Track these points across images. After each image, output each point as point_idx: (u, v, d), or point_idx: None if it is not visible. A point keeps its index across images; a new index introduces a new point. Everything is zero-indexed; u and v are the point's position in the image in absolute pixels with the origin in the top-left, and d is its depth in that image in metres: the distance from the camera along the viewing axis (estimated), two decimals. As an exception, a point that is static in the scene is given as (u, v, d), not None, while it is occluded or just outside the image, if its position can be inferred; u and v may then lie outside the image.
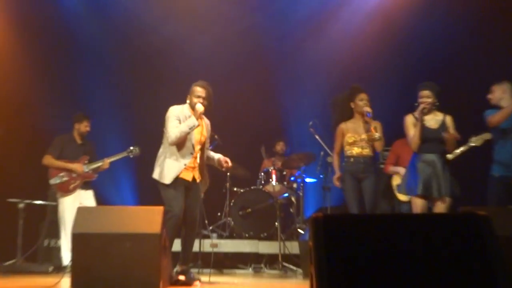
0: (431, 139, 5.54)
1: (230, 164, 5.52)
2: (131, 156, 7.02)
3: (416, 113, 5.56)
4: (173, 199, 5.08)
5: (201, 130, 5.33)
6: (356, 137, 5.86)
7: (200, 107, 5.17)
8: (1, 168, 7.28)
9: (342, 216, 2.63)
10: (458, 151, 6.00)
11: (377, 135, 5.69)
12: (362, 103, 5.82)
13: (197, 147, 5.27)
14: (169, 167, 5.18)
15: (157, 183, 5.24)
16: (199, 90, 5.27)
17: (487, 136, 5.96)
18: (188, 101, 5.34)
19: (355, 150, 5.88)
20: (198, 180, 5.30)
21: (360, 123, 5.86)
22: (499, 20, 7.92)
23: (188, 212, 5.21)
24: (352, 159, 5.89)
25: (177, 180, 5.15)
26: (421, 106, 5.50)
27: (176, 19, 8.36)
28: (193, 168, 5.25)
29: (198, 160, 5.31)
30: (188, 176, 5.22)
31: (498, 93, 5.83)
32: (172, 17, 8.37)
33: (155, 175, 5.24)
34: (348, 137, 5.92)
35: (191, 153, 5.20)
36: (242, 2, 8.49)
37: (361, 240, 2.27)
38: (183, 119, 5.21)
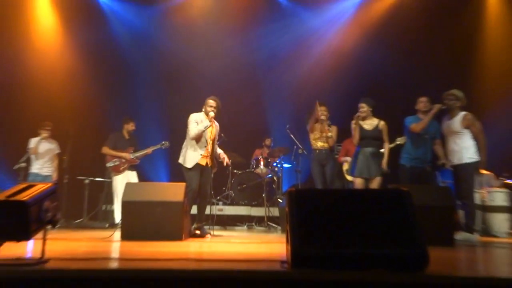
0: (367, 137, 5.59)
1: (227, 161, 5.56)
2: (163, 148, 7.01)
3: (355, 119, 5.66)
4: (192, 178, 5.09)
5: (212, 130, 5.33)
6: (320, 135, 6.07)
7: (212, 114, 5.22)
8: (73, 155, 7.23)
9: (308, 190, 2.61)
10: (391, 145, 6.00)
11: (329, 134, 5.99)
12: (320, 113, 5.99)
13: (210, 142, 5.28)
14: (190, 156, 5.19)
15: (181, 166, 5.25)
16: (211, 102, 5.30)
17: (405, 138, 5.97)
18: (203, 110, 5.34)
19: (319, 144, 6.09)
20: (209, 165, 5.30)
21: (321, 125, 6.05)
22: (421, 48, 8.02)
23: (202, 187, 5.21)
24: (317, 151, 6.08)
25: (195, 165, 5.15)
26: (357, 114, 5.61)
27: (195, 49, 8.30)
28: (207, 156, 5.25)
29: (210, 151, 5.32)
30: (203, 162, 5.22)
31: (427, 104, 5.68)
32: (192, 48, 8.31)
33: (180, 160, 5.26)
34: (314, 134, 6.13)
35: (205, 146, 5.20)
36: (242, 38, 8.42)
37: (321, 206, 2.25)
38: (199, 122, 5.23)
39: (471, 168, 5.21)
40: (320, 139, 6.10)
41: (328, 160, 6.06)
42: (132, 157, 6.90)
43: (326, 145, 6.07)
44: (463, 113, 5.34)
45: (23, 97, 7.86)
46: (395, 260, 2.03)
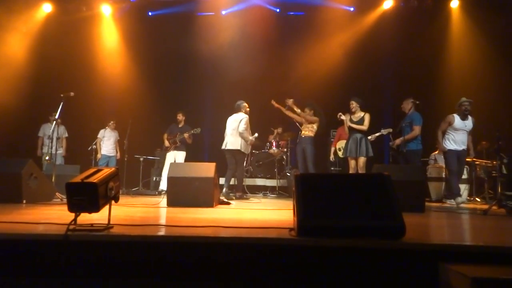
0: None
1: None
2: (195, 133, 6.99)
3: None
4: (245, 160, 5.79)
5: None
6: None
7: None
8: (131, 139, 7.32)
9: (311, 175, 2.56)
10: (374, 135, 5.93)
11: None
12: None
13: None
14: (247, 145, 5.84)
15: (238, 151, 5.72)
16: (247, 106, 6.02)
17: (389, 130, 5.90)
18: (243, 111, 5.97)
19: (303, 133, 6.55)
20: None
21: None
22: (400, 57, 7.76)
23: None
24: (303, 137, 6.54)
25: None
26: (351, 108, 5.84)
27: (225, 57, 7.81)
28: None
29: None
30: None
31: (407, 105, 5.75)
32: (223, 55, 7.83)
33: (243, 149, 5.75)
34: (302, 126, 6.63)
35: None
36: (260, 49, 7.95)
37: (321, 188, 2.21)
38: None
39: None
40: (305, 129, 6.46)
41: (306, 144, 6.40)
42: (179, 138, 7.02)
43: (306, 133, 6.45)
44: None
45: (95, 96, 7.94)
46: (379, 231, 1.99)
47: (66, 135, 7.47)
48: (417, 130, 5.56)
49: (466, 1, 7.78)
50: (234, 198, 5.58)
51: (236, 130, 5.75)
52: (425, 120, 5.72)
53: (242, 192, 5.81)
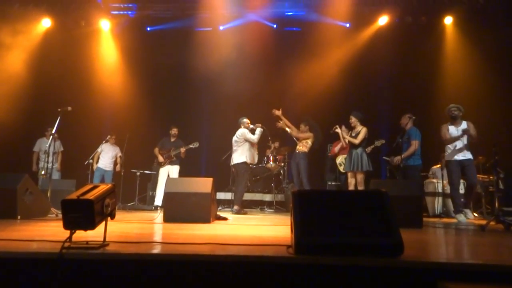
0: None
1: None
2: (193, 147, 6.98)
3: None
4: (246, 174, 5.94)
5: None
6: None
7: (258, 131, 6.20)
8: (127, 154, 7.30)
9: (309, 191, 2.55)
10: (369, 148, 5.95)
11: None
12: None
13: None
14: (252, 157, 6.01)
15: (244, 163, 5.90)
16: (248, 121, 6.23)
17: (382, 141, 5.94)
18: (242, 126, 6.13)
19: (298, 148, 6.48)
20: None
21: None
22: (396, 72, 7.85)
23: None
24: (296, 152, 6.48)
25: None
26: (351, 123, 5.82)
27: (223, 73, 7.82)
28: None
29: None
30: None
31: (404, 120, 5.77)
32: (219, 71, 7.82)
33: (245, 159, 5.91)
34: (298, 142, 6.53)
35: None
36: (257, 64, 8.00)
37: (319, 204, 2.20)
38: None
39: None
40: (299, 145, 6.44)
41: (300, 159, 6.32)
42: (173, 153, 6.97)
43: (301, 148, 6.39)
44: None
45: (92, 111, 7.95)
46: (377, 248, 1.98)
47: (62, 149, 7.44)
48: (414, 145, 5.56)
49: (460, 18, 7.94)
50: (231, 212, 5.56)
51: (238, 146, 5.90)
52: (421, 134, 5.74)
53: (240, 206, 5.75)
